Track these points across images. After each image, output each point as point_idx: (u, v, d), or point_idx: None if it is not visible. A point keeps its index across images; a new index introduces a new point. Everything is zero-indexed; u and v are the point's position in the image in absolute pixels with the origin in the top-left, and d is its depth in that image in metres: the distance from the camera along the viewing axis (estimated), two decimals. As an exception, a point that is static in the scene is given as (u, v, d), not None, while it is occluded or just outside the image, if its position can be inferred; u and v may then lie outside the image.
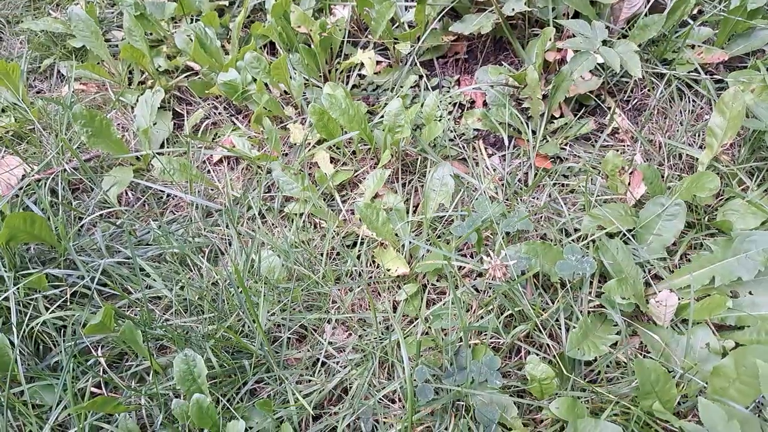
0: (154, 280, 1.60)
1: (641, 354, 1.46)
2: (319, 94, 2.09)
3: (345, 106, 1.84)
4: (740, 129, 1.74)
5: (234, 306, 1.55)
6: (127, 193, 1.95)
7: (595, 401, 1.36)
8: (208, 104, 2.22)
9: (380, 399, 1.44)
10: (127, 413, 1.37)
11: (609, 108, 2.00)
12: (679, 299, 1.43)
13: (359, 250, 1.73)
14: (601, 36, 1.83)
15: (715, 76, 1.96)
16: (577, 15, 2.06)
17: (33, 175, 1.83)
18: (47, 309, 1.52)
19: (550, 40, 1.94)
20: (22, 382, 1.39)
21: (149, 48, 2.19)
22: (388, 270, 1.66)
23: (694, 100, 1.97)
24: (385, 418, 1.41)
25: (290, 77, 2.09)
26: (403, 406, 1.42)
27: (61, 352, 1.47)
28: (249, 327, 1.53)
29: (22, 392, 1.40)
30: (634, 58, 1.74)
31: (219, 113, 2.20)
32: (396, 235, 1.70)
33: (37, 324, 1.47)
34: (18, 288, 1.50)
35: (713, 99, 1.91)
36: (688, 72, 1.95)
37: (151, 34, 2.38)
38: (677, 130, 1.91)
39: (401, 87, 2.15)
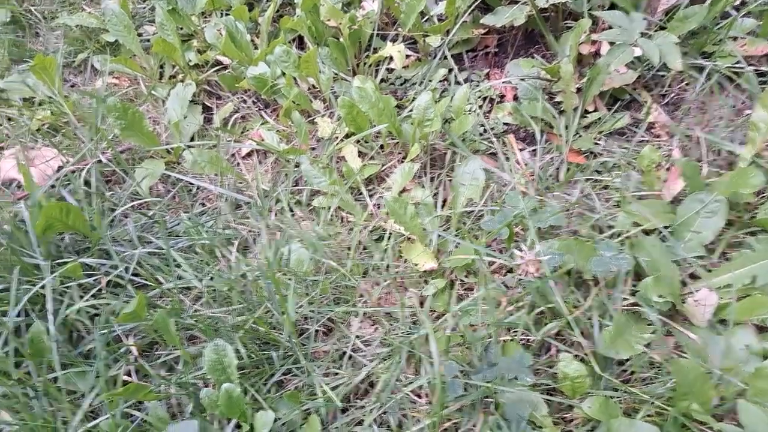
0: (185, 270, 1.62)
1: (677, 354, 1.41)
2: (347, 88, 2.08)
3: (374, 99, 1.82)
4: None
5: (262, 298, 1.55)
6: (158, 185, 1.98)
7: (628, 401, 1.33)
8: (238, 98, 2.23)
9: (407, 394, 1.43)
10: (157, 401, 1.38)
11: (645, 102, 1.95)
12: (718, 299, 1.38)
13: (386, 245, 1.72)
14: (639, 27, 1.78)
15: (759, 69, 1.89)
16: (613, 6, 2.01)
17: (69, 166, 1.86)
18: (81, 297, 1.55)
19: (585, 32, 1.90)
20: (56, 369, 1.41)
21: (180, 42, 2.22)
22: (416, 265, 1.65)
23: (735, 95, 1.91)
24: (413, 413, 1.39)
25: (319, 71, 2.09)
26: (430, 402, 1.40)
27: (94, 339, 1.49)
28: (277, 319, 1.54)
29: (56, 378, 1.43)
30: (674, 51, 1.69)
31: (248, 107, 2.21)
32: (424, 229, 1.69)
33: (71, 312, 1.49)
34: (54, 276, 1.53)
35: (756, 93, 1.85)
36: (730, 65, 1.88)
37: (182, 28, 2.40)
38: (717, 125, 1.85)
39: (430, 81, 2.13)
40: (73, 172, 1.91)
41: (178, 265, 1.63)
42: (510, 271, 1.60)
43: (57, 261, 1.60)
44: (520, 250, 1.39)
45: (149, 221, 1.81)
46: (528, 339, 1.47)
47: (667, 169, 1.71)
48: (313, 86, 2.18)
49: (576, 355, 1.41)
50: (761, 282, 1.38)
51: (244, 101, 2.23)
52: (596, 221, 1.65)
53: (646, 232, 1.55)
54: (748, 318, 1.35)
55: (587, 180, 1.79)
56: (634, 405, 1.31)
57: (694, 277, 1.52)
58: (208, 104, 2.24)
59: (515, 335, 1.44)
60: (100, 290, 1.60)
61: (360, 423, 1.41)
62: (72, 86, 2.42)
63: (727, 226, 1.56)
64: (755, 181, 1.47)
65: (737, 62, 1.87)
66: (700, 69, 1.93)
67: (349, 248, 1.68)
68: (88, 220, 1.64)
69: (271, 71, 2.09)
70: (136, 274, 1.66)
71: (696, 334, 1.37)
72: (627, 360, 1.37)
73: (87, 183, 1.91)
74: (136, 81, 2.34)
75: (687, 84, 1.96)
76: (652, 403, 1.27)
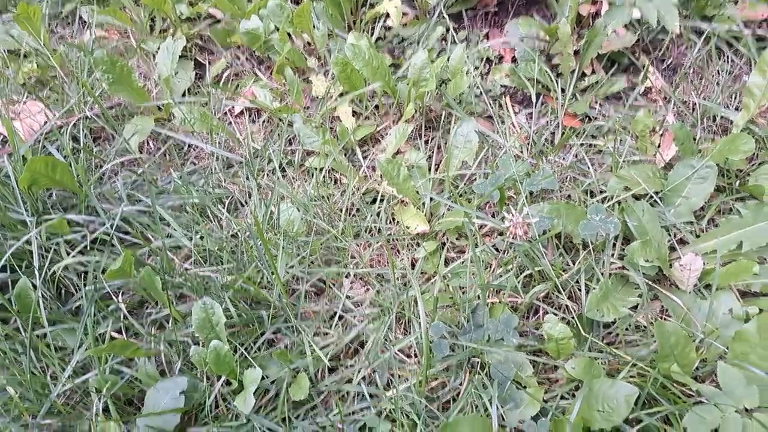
0: (174, 229, 1.61)
1: (662, 318, 1.43)
2: (342, 45, 2.03)
3: (368, 56, 1.79)
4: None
5: (253, 257, 1.56)
6: (148, 143, 1.95)
7: (613, 363, 1.35)
8: (231, 54, 2.18)
9: (396, 353, 1.45)
10: (146, 358, 1.40)
11: (643, 66, 1.92)
12: (704, 264, 1.40)
13: (379, 207, 1.71)
14: (638, -12, 1.74)
15: (758, 34, 1.86)
16: (614, -34, 1.95)
17: (55, 121, 1.83)
18: (69, 254, 1.54)
19: (585, -8, 1.85)
20: (44, 325, 1.42)
21: (171, -6, 2.15)
22: (408, 227, 1.64)
23: (733, 60, 1.88)
24: (401, 372, 1.42)
25: (314, 27, 2.04)
26: (419, 362, 1.43)
27: (82, 297, 1.50)
28: (267, 278, 1.54)
29: (45, 335, 1.44)
30: (672, 12, 1.66)
31: (241, 63, 2.16)
32: (417, 192, 1.68)
33: (59, 268, 1.49)
34: (39, 231, 1.52)
35: (754, 58, 1.82)
36: (729, 29, 1.85)
37: (172, -21, 2.33)
38: (713, 91, 1.83)
39: (427, 40, 2.09)
40: (60, 128, 1.88)
41: (168, 224, 1.63)
42: (501, 234, 1.61)
43: (43, 217, 1.59)
44: (510, 214, 1.39)
45: (139, 179, 1.79)
46: (516, 301, 1.48)
47: (661, 135, 1.70)
48: (308, 43, 2.13)
49: (563, 318, 1.43)
50: (747, 248, 1.39)
51: (238, 57, 2.19)
52: (589, 186, 1.65)
53: (637, 197, 1.55)
54: (732, 282, 1.36)
55: (582, 144, 1.78)
56: (617, 366, 1.34)
57: (682, 242, 1.53)
58: (201, 60, 2.19)
59: (503, 297, 1.45)
60: (88, 247, 1.59)
61: (349, 381, 1.43)
62: (60, 38, 2.35)
63: (716, 192, 1.56)
64: (746, 148, 1.47)
65: (736, 26, 1.83)
66: (699, 33, 1.90)
67: (341, 210, 1.68)
68: (75, 177, 1.62)
69: (264, 26, 2.04)
70: (126, 233, 1.65)
71: (681, 299, 1.38)
72: (613, 323, 1.39)
73: (75, 139, 1.89)
74: (125, 34, 2.28)
75: (686, 48, 1.93)
76: (635, 364, 1.29)
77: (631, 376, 1.29)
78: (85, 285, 1.50)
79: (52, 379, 1.40)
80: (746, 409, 1.11)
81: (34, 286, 1.44)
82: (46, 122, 1.91)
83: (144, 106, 1.97)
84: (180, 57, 2.05)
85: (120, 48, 2.23)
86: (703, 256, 1.43)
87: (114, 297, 1.52)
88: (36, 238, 1.50)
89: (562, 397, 1.32)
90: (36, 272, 1.47)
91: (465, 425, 1.16)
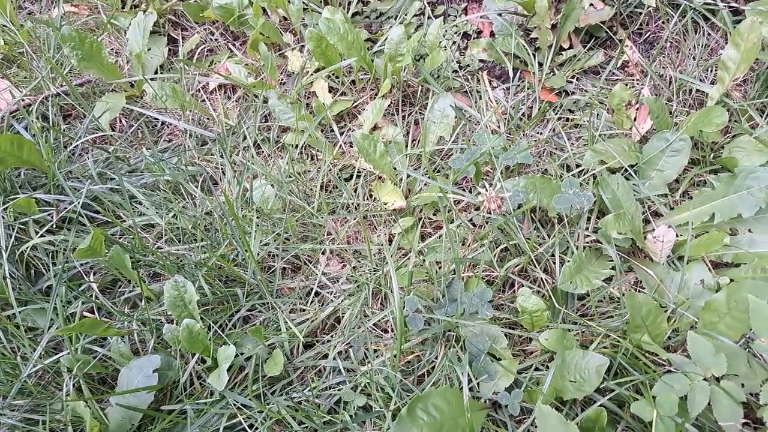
0: (147, 207, 1.59)
1: (636, 290, 1.45)
2: (318, 20, 2.00)
3: (343, 31, 1.76)
4: (754, 64, 1.66)
5: (227, 235, 1.54)
6: (120, 120, 1.91)
7: (586, 335, 1.36)
8: (204, 30, 2.14)
9: (372, 328, 1.45)
10: (119, 337, 1.38)
11: (620, 40, 1.91)
12: (677, 236, 1.40)
13: (356, 183, 1.70)
14: (615, -40, 1.72)
15: (732, 5, 1.85)
16: (591, -63, 1.93)
17: (22, 99, 1.79)
18: (38, 234, 1.52)
19: (562, -36, 1.83)
20: (13, 305, 1.40)
21: (141, -32, 2.09)
22: (385, 204, 1.63)
23: (709, 33, 1.88)
24: (376, 346, 1.42)
25: (289, 1, 2.00)
26: (395, 336, 1.43)
27: (52, 276, 1.47)
28: (242, 256, 1.53)
29: (14, 315, 1.42)
30: (649, -16, 1.64)
31: (215, 39, 2.12)
32: (394, 168, 1.67)
33: (27, 248, 1.47)
34: (6, 210, 1.49)
35: (729, 31, 1.82)
36: (705, 1, 1.84)
37: (143, -47, 2.26)
38: (689, 65, 1.83)
39: (405, 14, 2.06)
40: (29, 106, 1.83)
41: (140, 202, 1.60)
42: (477, 209, 1.60)
43: (11, 197, 1.55)
44: (485, 188, 1.38)
45: (111, 157, 1.76)
46: (491, 275, 1.48)
47: (637, 109, 1.70)
48: (284, 18, 2.09)
49: (538, 291, 1.44)
50: (719, 219, 1.40)
51: (212, 33, 2.14)
52: (565, 160, 1.65)
53: (613, 171, 1.55)
54: (704, 254, 1.37)
55: (559, 119, 1.78)
56: (591, 338, 1.35)
57: (656, 214, 1.54)
58: (174, 35, 2.14)
59: (478, 271, 1.45)
60: (56, 227, 1.56)
61: (325, 357, 1.43)
62: (29, 14, 2.28)
63: (691, 165, 1.57)
64: (719, 120, 1.47)
65: (713, -1, 1.83)
66: (676, 6, 1.89)
67: (317, 187, 1.66)
68: (43, 155, 1.58)
69: (238, 0, 2.00)
70: (97, 212, 1.62)
71: (654, 271, 1.39)
72: (586, 295, 1.40)
73: (45, 117, 1.84)
74: (96, 10, 2.21)
75: (663, 22, 1.92)
76: (607, 336, 1.30)
77: (603, 347, 1.31)
78: (54, 264, 1.48)
79: (23, 360, 1.38)
80: (714, 377, 1.12)
81: (1, 266, 1.41)
82: (14, 102, 1.86)
83: (115, 83, 1.92)
84: (152, 33, 2.01)
85: (90, 24, 2.17)
86: (676, 228, 1.44)
87: (85, 276, 1.50)
88: (2, 217, 1.47)
89: (535, 369, 1.33)
90: (3, 252, 1.44)
91: (437, 397, 1.16)
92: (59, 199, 1.59)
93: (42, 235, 1.50)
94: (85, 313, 1.43)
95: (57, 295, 1.34)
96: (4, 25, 2.07)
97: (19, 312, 1.41)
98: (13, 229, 1.51)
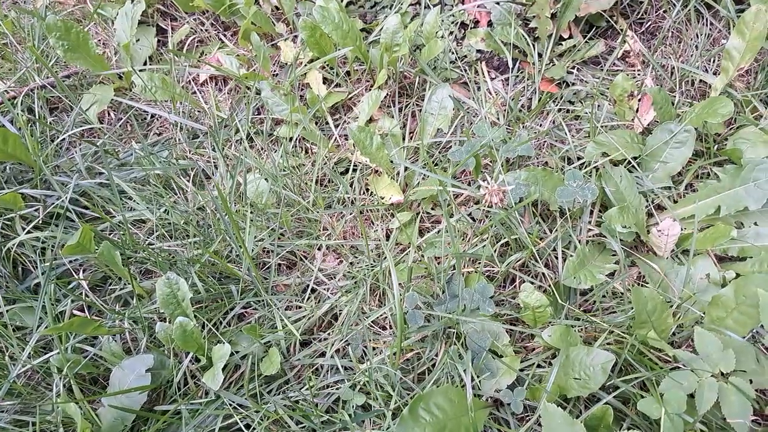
0: (137, 202, 1.54)
1: (639, 285, 1.42)
2: (311, 9, 1.95)
3: (338, 20, 1.71)
4: (759, 54, 1.63)
5: (220, 230, 1.50)
6: (108, 113, 1.86)
7: (590, 330, 1.33)
8: (194, 20, 2.08)
9: (371, 326, 1.42)
10: (110, 336, 1.34)
11: (621, 30, 1.88)
12: (682, 229, 1.38)
13: (352, 177, 1.66)
14: (617, -54, 1.68)
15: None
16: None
17: (6, 92, 1.73)
18: (24, 231, 1.47)
19: (562, -49, 1.79)
20: (0, 304, 1.35)
21: (129, -44, 2.03)
22: (382, 198, 1.60)
23: (711, 23, 1.84)
24: (375, 344, 1.38)
25: (280, -10, 1.95)
26: (394, 333, 1.39)
27: (40, 274, 1.43)
28: (237, 252, 1.49)
29: (1, 314, 1.37)
30: (652, -28, 1.60)
31: (206, 29, 2.06)
32: (391, 161, 1.63)
33: (13, 245, 1.42)
34: (-10, 206, 1.44)
35: (733, 20, 1.78)
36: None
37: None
38: (692, 55, 1.80)
39: (400, 3, 2.01)
40: (14, 98, 1.77)
41: (130, 198, 1.55)
42: (477, 203, 1.57)
43: (-3, 192, 1.51)
44: (485, 181, 1.35)
45: (99, 150, 1.71)
46: (492, 271, 1.45)
47: (639, 100, 1.67)
48: (276, 7, 2.04)
49: (540, 287, 1.41)
50: (725, 212, 1.37)
51: (202, 23, 2.09)
52: (566, 152, 1.61)
53: (615, 163, 1.52)
54: (709, 247, 1.35)
55: (559, 110, 1.74)
56: (594, 334, 1.32)
57: (660, 208, 1.51)
58: (163, 26, 2.08)
59: (479, 267, 1.42)
60: (45, 223, 1.52)
61: (322, 355, 1.39)
62: (13, 3, 2.22)
63: (695, 157, 1.54)
64: (724, 111, 1.43)
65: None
66: (679, -6, 1.85)
67: (312, 181, 1.62)
68: (29, 149, 1.53)
69: (228, -11, 1.94)
70: (86, 207, 1.57)
71: (658, 265, 1.36)
72: (590, 290, 1.37)
73: (31, 110, 1.79)
74: (82, 0, 2.15)
75: (664, 11, 1.88)
76: (612, 331, 1.28)
77: (607, 343, 1.28)
78: (42, 261, 1.43)
79: (11, 360, 1.34)
80: (722, 373, 1.10)
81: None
82: (-2, 93, 1.80)
83: (103, 74, 1.87)
84: (140, 23, 1.95)
85: (76, 14, 2.11)
86: (680, 222, 1.41)
87: (74, 274, 1.45)
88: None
89: (538, 366, 1.30)
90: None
91: (440, 396, 1.13)
92: (46, 194, 1.54)
93: (29, 232, 1.45)
94: (74, 312, 1.39)
95: (45, 293, 1.30)
96: (-12, 15, 2.01)
97: (7, 311, 1.37)
98: (3, 228, 1.46)
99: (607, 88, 1.74)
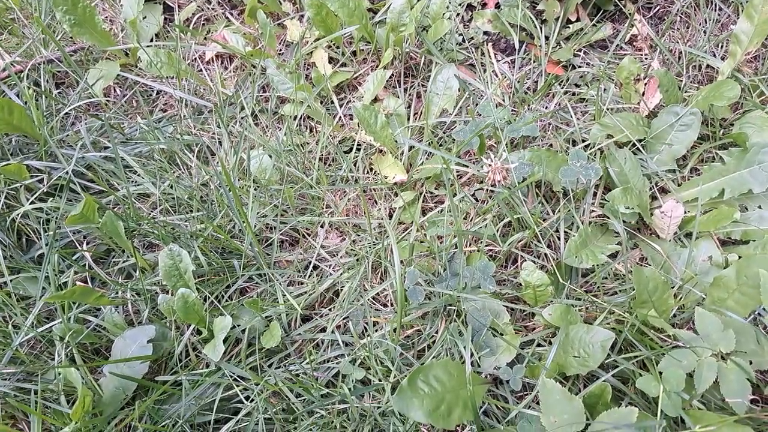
0: (141, 176, 1.55)
1: (641, 266, 1.41)
2: (318, -12, 1.94)
3: (345, -2, 1.70)
4: (766, 39, 1.62)
5: (224, 205, 1.50)
6: (114, 89, 1.86)
7: (590, 311, 1.33)
8: (201, -3, 2.07)
9: (372, 302, 1.42)
10: (113, 307, 1.35)
11: (629, 13, 1.86)
12: (685, 212, 1.37)
13: (356, 156, 1.66)
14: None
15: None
16: None
17: (12, 65, 1.73)
18: (29, 201, 1.48)
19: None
20: (4, 273, 1.36)
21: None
22: (386, 177, 1.60)
23: (720, 7, 1.83)
24: (376, 320, 1.39)
25: (287, -32, 1.94)
26: (395, 310, 1.40)
27: (44, 244, 1.43)
28: (240, 228, 1.49)
29: (5, 283, 1.38)
30: (662, -47, 1.59)
31: (212, 8, 2.06)
32: (395, 140, 1.63)
33: (17, 215, 1.42)
34: (-5, 176, 1.44)
35: (742, 4, 1.77)
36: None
37: None
38: (699, 39, 1.78)
39: (407, -16, 1.99)
40: (20, 72, 1.78)
41: (135, 171, 1.56)
42: (480, 182, 1.56)
43: (1, 163, 1.51)
44: (489, 159, 1.35)
45: (104, 125, 1.71)
46: (494, 250, 1.45)
47: (646, 83, 1.66)
48: (282, -13, 2.03)
49: (542, 267, 1.41)
50: (729, 195, 1.36)
51: (209, 1, 2.08)
52: (571, 134, 1.61)
53: (620, 145, 1.51)
54: (712, 230, 1.34)
55: (565, 92, 1.73)
56: (595, 314, 1.32)
57: (664, 190, 1.51)
58: (170, 3, 2.08)
59: (481, 246, 1.42)
60: (50, 194, 1.52)
61: (323, 330, 1.40)
62: (19, -20, 2.22)
63: (700, 141, 1.53)
64: (730, 94, 1.42)
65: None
66: (689, -23, 1.84)
67: (316, 159, 1.62)
68: (35, 122, 1.54)
69: (235, -33, 1.94)
70: (91, 180, 1.58)
71: (661, 247, 1.36)
72: (591, 271, 1.37)
73: (37, 84, 1.79)
74: (89, -24, 2.15)
75: (674, -5, 1.87)
76: (612, 311, 1.28)
77: (608, 323, 1.28)
78: (46, 232, 1.44)
79: (14, 329, 1.35)
80: (722, 354, 1.10)
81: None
82: (4, 68, 1.80)
83: (109, 50, 1.87)
84: (147, 0, 1.94)
85: (84, -10, 2.10)
86: (684, 204, 1.41)
87: (78, 245, 1.46)
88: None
89: (538, 344, 1.31)
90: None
91: (439, 369, 1.13)
92: (51, 167, 1.54)
93: (33, 202, 1.46)
94: (78, 283, 1.40)
95: (49, 263, 1.30)
96: (-5, -10, 2.01)
97: (11, 280, 1.38)
98: (7, 198, 1.47)
99: (614, 71, 1.73)
